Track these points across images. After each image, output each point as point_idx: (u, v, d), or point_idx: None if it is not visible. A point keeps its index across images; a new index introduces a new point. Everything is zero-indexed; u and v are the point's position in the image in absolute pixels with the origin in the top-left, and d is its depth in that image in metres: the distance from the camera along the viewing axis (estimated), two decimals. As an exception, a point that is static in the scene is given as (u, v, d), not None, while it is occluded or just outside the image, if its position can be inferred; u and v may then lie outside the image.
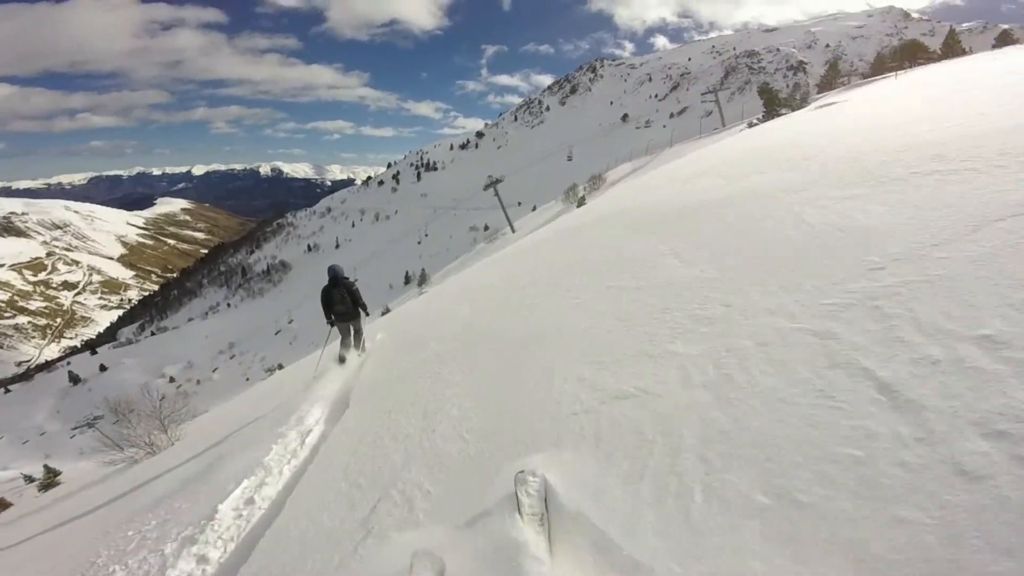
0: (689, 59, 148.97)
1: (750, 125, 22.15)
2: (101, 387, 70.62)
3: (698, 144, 25.18)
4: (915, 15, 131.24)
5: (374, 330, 7.91)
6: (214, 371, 68.35)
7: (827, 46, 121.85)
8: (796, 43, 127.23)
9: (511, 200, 68.53)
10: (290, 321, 60.05)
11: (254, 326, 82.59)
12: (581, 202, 23.82)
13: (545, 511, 2.18)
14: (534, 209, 46.26)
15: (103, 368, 78.39)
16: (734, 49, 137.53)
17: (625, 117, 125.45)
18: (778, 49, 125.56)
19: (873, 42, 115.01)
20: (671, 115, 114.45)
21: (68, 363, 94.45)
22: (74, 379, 76.45)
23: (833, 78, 28.82)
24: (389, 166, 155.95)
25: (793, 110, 20.10)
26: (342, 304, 6.34)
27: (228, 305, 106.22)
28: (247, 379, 57.44)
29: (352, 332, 6.53)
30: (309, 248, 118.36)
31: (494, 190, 35.14)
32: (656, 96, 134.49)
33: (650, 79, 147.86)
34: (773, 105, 21.81)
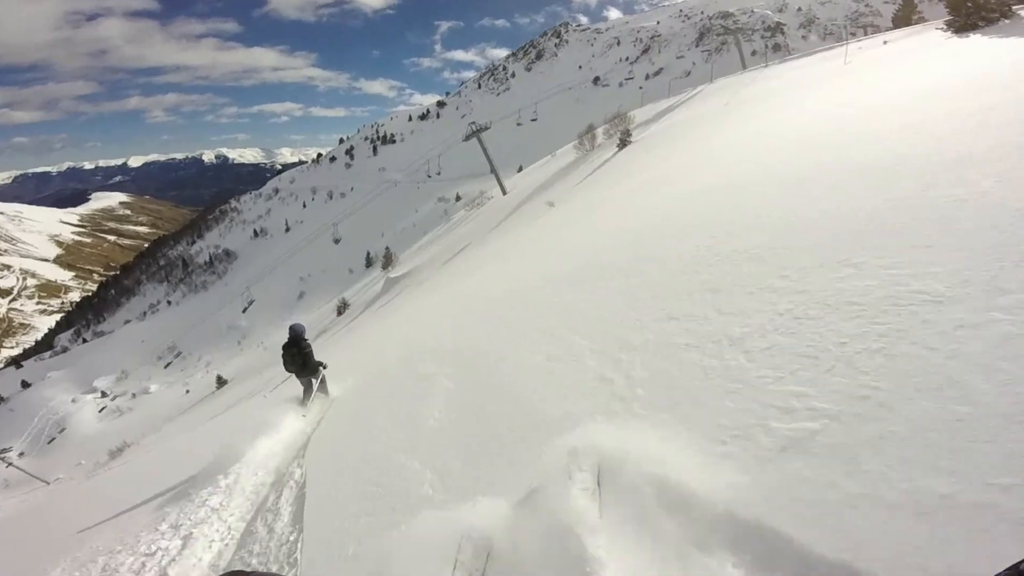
0: (658, 22, 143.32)
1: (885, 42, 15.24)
2: (24, 406, 60.85)
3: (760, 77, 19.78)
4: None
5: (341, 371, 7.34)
6: (151, 384, 58.77)
7: (799, 9, 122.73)
8: (767, 6, 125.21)
9: (483, 166, 60.52)
10: (247, 306, 51.21)
11: (197, 325, 72.44)
12: (623, 143, 17.27)
13: (598, 486, 2.17)
14: (520, 170, 39.44)
15: (25, 384, 67.50)
16: (702, 12, 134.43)
17: (596, 80, 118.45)
18: (753, 11, 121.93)
19: (841, 7, 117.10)
20: (646, 76, 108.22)
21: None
22: None
23: (909, 13, 22.65)
24: (341, 141, 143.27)
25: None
26: (293, 364, 6.66)
27: (168, 303, 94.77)
28: (187, 391, 48.89)
29: (313, 384, 6.72)
30: (256, 233, 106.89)
31: (478, 140, 28.61)
32: (627, 59, 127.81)
33: (618, 43, 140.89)
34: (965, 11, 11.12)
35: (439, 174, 48.88)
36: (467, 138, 30.83)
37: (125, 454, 29.26)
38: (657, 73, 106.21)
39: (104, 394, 59.44)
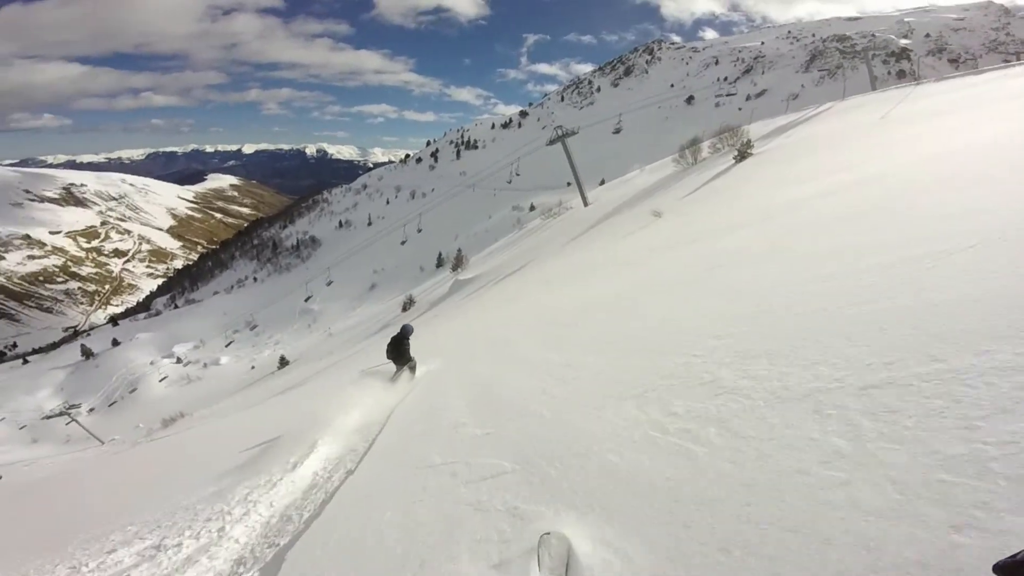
0: (762, 43, 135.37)
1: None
2: (109, 364, 66.63)
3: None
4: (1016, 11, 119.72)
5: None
6: (222, 356, 62.51)
7: (927, 35, 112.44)
8: (890, 31, 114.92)
9: (559, 178, 58.94)
10: (307, 299, 53.35)
11: (276, 303, 76.85)
12: (743, 155, 15.69)
13: (565, 573, 2.22)
14: (602, 183, 37.59)
15: (115, 343, 74.58)
16: (813, 35, 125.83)
17: (691, 99, 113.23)
18: (874, 35, 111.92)
19: (978, 35, 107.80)
20: (747, 97, 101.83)
21: (88, 335, 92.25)
22: (86, 353, 72.71)
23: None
24: (428, 143, 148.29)
25: None
26: (394, 353, 8.42)
27: (255, 279, 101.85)
28: (252, 367, 51.35)
29: (404, 367, 8.40)
30: (340, 224, 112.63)
31: (562, 144, 27.25)
32: (726, 79, 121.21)
33: (717, 62, 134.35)
34: None
35: (518, 175, 48.22)
36: (551, 142, 29.79)
37: (178, 424, 30.40)
38: (760, 95, 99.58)
39: (179, 360, 63.25)
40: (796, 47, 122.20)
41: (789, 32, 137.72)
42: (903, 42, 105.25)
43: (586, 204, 27.57)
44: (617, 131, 47.12)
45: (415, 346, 8.67)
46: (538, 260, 16.66)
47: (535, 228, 31.98)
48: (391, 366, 8.63)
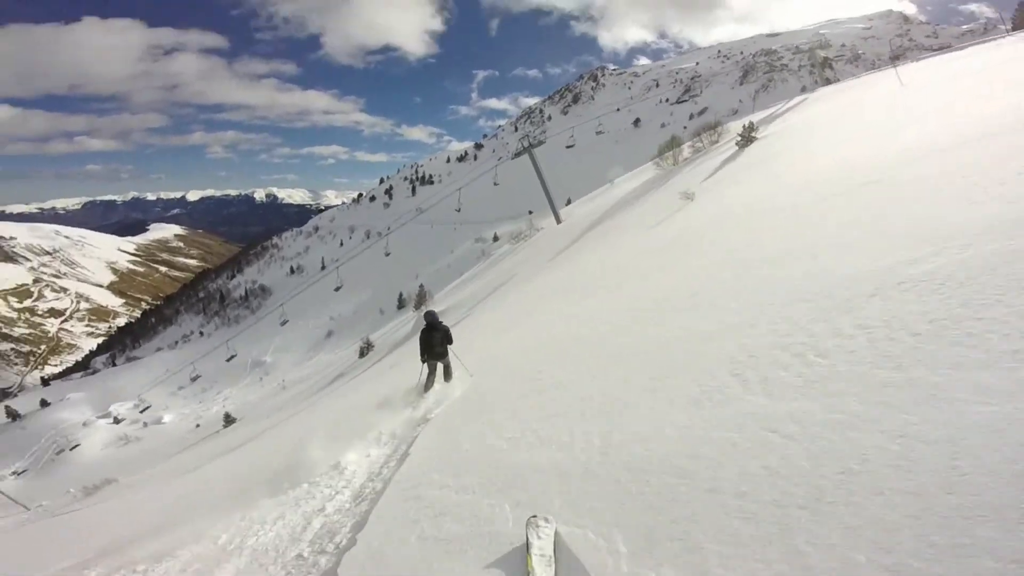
0: (697, 63, 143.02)
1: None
2: (37, 425, 60.64)
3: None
4: (915, 19, 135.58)
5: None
6: (165, 414, 56.89)
7: (843, 45, 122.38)
8: (809, 43, 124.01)
9: (521, 207, 57.72)
10: (232, 358, 48.39)
11: (223, 359, 71.04)
12: (748, 140, 15.54)
13: (553, 553, 2.31)
14: (568, 203, 36.30)
15: (44, 403, 67.28)
16: (741, 52, 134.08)
17: (637, 122, 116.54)
18: (798, 47, 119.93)
19: (885, 42, 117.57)
20: (690, 116, 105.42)
21: (16, 396, 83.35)
22: (12, 415, 65.41)
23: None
24: (381, 181, 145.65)
25: None
26: (441, 347, 7.17)
27: (201, 334, 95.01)
28: (198, 425, 46.55)
29: (442, 368, 7.30)
30: (292, 270, 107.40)
31: (530, 156, 26.11)
32: (668, 100, 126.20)
33: (657, 84, 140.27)
34: None
35: (458, 211, 46.72)
36: (517, 154, 29.28)
37: (103, 492, 26.35)
38: (702, 112, 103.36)
39: (116, 420, 57.91)
40: (728, 64, 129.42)
41: (719, 52, 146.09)
42: (823, 53, 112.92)
43: (559, 221, 26.14)
44: (570, 146, 47.10)
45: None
46: (531, 277, 14.61)
47: (505, 254, 30.16)
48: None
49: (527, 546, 2.31)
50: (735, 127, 21.67)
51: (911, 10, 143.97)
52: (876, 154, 7.69)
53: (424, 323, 7.36)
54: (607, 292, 7.91)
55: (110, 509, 13.59)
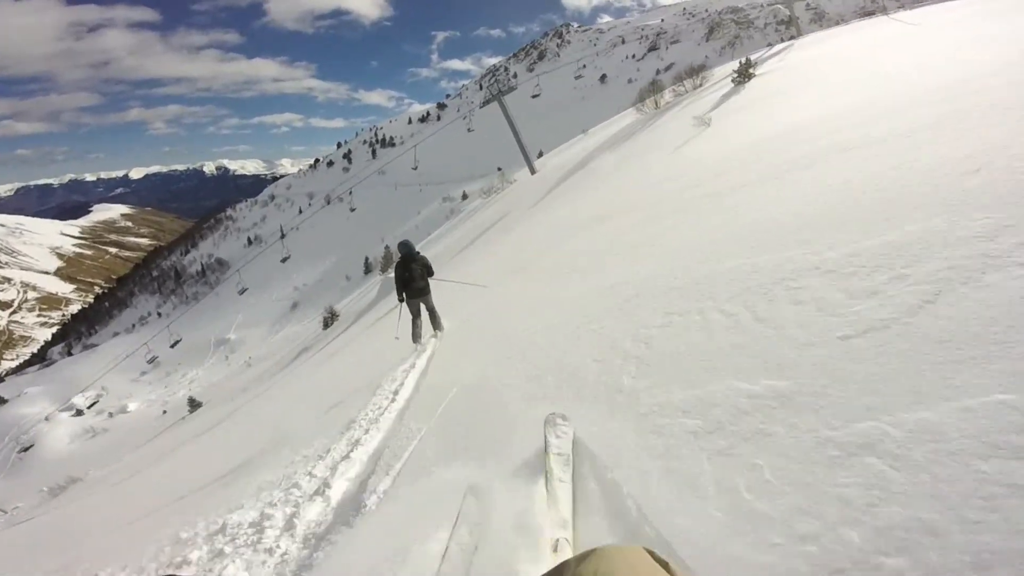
0: (662, 20, 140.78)
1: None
2: None
3: None
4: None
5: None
6: (129, 402, 54.28)
7: (807, 5, 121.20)
8: (776, 1, 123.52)
9: (489, 165, 56.01)
10: (176, 344, 45.86)
11: (187, 338, 67.80)
12: (744, 76, 14.37)
13: (571, 452, 2.24)
14: (540, 155, 34.93)
15: (1, 401, 63.23)
16: (706, 10, 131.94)
17: (603, 78, 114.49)
18: (763, 5, 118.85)
19: (850, 3, 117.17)
20: (656, 71, 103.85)
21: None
22: None
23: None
24: (339, 146, 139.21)
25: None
26: (422, 280, 6.13)
27: (159, 315, 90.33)
28: (164, 411, 44.56)
29: (425, 310, 6.23)
30: (249, 241, 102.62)
31: (500, 103, 24.93)
32: (634, 56, 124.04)
33: (623, 41, 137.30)
34: None
35: (415, 169, 44.65)
36: (485, 102, 28.27)
37: (69, 492, 24.82)
38: (668, 68, 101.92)
39: (78, 412, 54.85)
40: (694, 22, 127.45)
41: (684, 9, 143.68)
42: (787, 11, 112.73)
43: (533, 171, 25.11)
44: (535, 95, 45.84)
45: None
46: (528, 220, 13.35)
47: (478, 208, 28.80)
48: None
49: (545, 445, 2.24)
50: (718, 72, 20.74)
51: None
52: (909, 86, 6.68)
53: (399, 255, 6.24)
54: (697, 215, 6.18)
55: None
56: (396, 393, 4.45)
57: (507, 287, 6.99)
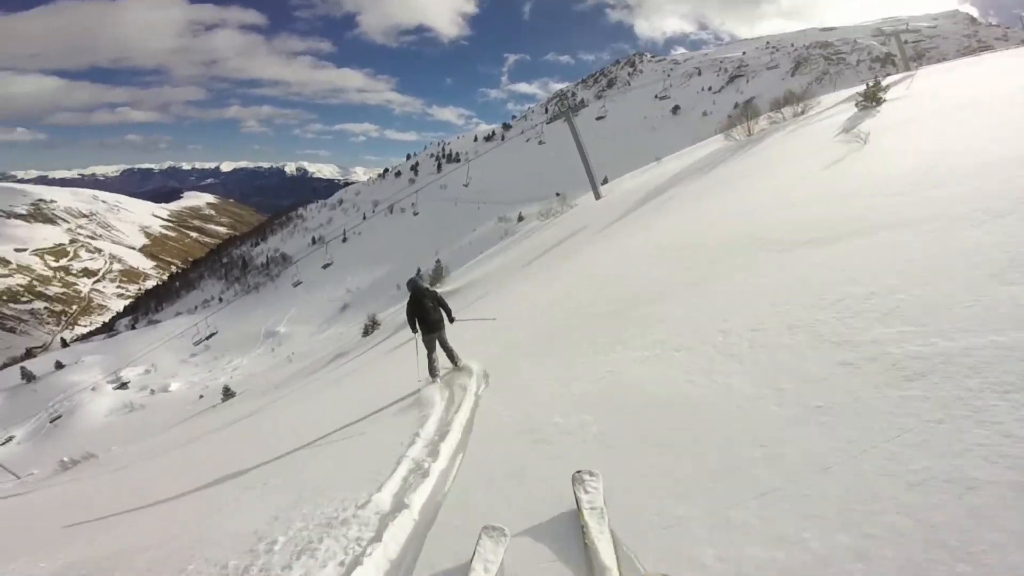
0: (744, 53, 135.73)
1: None
2: (48, 388, 60.43)
3: None
4: (982, 20, 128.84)
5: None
6: (172, 382, 56.28)
7: (905, 42, 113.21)
8: (867, 36, 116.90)
9: (550, 187, 54.70)
10: (212, 336, 47.09)
11: (239, 326, 70.39)
12: (874, 100, 11.95)
13: (604, 505, 2.28)
14: (605, 182, 33.25)
15: (59, 365, 67.65)
16: (792, 45, 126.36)
17: (676, 109, 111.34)
18: (856, 41, 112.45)
19: (952, 42, 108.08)
20: (735, 106, 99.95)
21: (35, 357, 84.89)
22: (27, 376, 65.71)
23: None
24: (408, 157, 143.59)
25: None
26: (436, 312, 6.13)
27: (220, 300, 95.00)
28: (201, 396, 45.53)
29: (440, 346, 6.19)
30: (313, 240, 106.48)
31: (568, 120, 23.45)
32: (710, 88, 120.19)
33: (699, 73, 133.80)
34: None
35: (466, 186, 44.23)
36: (553, 119, 26.29)
37: (80, 467, 24.78)
38: (748, 102, 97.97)
39: (123, 385, 57.28)
40: (778, 55, 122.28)
41: (768, 43, 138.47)
42: (885, 48, 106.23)
43: (598, 197, 23.35)
44: (600, 118, 44.58)
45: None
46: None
47: (534, 230, 27.39)
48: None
49: (576, 502, 2.30)
50: (826, 100, 18.19)
51: (974, 13, 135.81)
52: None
53: (409, 294, 6.18)
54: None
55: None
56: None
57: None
